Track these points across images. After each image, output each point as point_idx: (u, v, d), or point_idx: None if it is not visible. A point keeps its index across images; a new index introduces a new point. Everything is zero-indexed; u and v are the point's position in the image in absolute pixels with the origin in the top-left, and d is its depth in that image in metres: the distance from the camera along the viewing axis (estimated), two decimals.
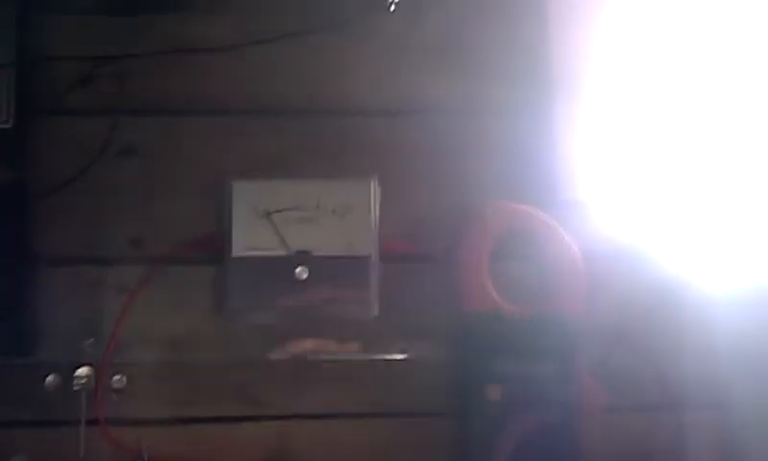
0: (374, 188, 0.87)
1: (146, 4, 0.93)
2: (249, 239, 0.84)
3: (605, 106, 0.95)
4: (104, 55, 0.92)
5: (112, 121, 0.91)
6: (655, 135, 0.94)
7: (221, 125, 0.93)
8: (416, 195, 0.92)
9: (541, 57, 0.95)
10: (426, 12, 0.95)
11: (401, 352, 0.90)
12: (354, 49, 0.94)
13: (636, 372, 0.91)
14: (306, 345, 0.88)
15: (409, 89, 0.94)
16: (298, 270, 0.84)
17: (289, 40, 0.93)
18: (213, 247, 0.88)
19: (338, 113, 0.94)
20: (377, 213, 0.87)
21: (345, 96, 0.94)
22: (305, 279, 0.84)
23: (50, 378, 0.87)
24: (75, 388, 0.86)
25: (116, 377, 0.88)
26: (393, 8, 0.93)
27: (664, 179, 0.94)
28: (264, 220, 0.85)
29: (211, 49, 0.92)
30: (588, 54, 0.96)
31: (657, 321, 0.91)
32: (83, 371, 0.87)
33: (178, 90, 0.93)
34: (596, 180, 0.94)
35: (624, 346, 0.91)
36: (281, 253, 0.84)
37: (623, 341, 0.91)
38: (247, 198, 0.85)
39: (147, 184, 0.92)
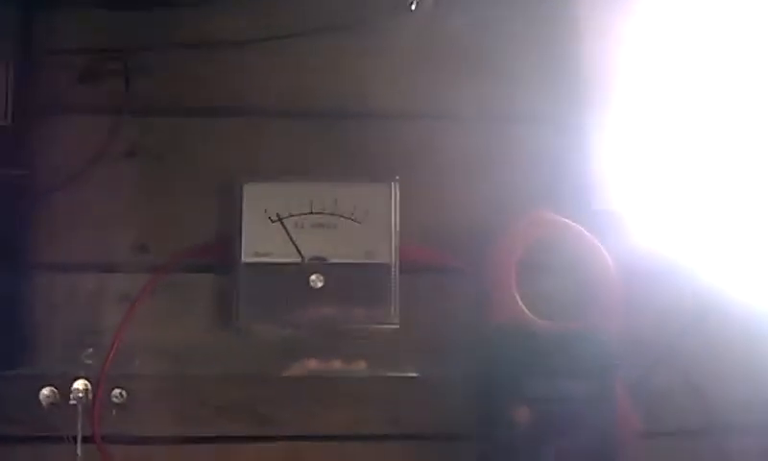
0: (395, 192, 0.81)
1: None
2: (260, 245, 0.79)
3: (640, 112, 0.90)
4: (108, 50, 0.88)
5: (116, 120, 0.86)
6: (693, 143, 0.89)
7: (231, 126, 0.88)
8: (440, 203, 0.87)
9: (574, 64, 0.90)
10: (453, 14, 0.90)
11: (422, 370, 0.84)
12: (376, 50, 0.89)
13: (676, 393, 0.85)
14: (310, 364, 0.81)
15: (434, 94, 0.90)
16: (312, 278, 0.78)
17: (307, 38, 0.88)
18: (221, 254, 0.83)
19: (358, 116, 0.89)
20: (398, 219, 0.81)
21: (365, 98, 0.89)
22: (320, 288, 0.78)
23: (45, 391, 0.81)
24: (71, 402, 0.81)
25: (116, 392, 0.82)
26: (414, 6, 0.88)
27: (704, 188, 0.88)
28: (276, 225, 0.79)
29: (221, 44, 0.88)
30: (621, 60, 0.91)
31: (697, 339, 0.85)
32: (80, 384, 0.82)
33: (186, 89, 0.89)
34: (632, 190, 0.89)
35: (662, 365, 0.85)
36: (295, 259, 0.78)
37: (661, 360, 0.85)
38: (258, 201, 0.80)
39: (152, 187, 0.87)
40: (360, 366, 0.83)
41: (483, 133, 0.89)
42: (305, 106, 0.89)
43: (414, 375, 0.84)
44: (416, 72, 0.90)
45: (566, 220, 0.83)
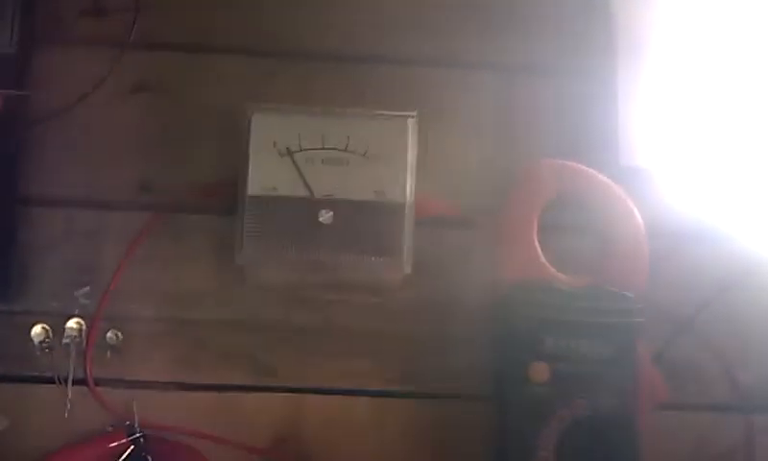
0: (413, 128, 0.76)
1: None
2: (267, 179, 0.74)
3: (672, 64, 0.85)
4: None
5: (121, 53, 0.83)
6: (729, 98, 0.85)
7: (241, 64, 0.84)
8: (458, 154, 0.84)
9: (602, 12, 0.86)
10: None
11: (433, 324, 0.80)
12: None
13: (701, 364, 0.81)
14: None
15: (456, 42, 0.86)
16: (321, 213, 0.74)
17: None
18: (226, 194, 0.78)
19: (376, 61, 0.85)
20: (415, 158, 0.76)
21: (384, 43, 0.85)
22: (329, 226, 0.73)
23: (36, 329, 0.78)
24: (64, 341, 0.77)
25: (111, 333, 0.78)
26: None
27: (739, 146, 0.84)
28: (286, 159, 0.75)
29: None
30: (652, 8, 0.87)
31: (726, 307, 0.81)
32: (73, 323, 0.78)
33: (197, 23, 0.85)
34: (662, 146, 0.84)
35: (687, 334, 0.80)
36: (303, 194, 0.74)
37: (686, 329, 0.80)
38: (267, 133, 0.75)
39: (156, 124, 0.83)
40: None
41: (504, 82, 0.85)
42: (318, 46, 0.85)
43: (424, 329, 0.80)
44: (436, 19, 0.86)
45: (592, 170, 0.78)
